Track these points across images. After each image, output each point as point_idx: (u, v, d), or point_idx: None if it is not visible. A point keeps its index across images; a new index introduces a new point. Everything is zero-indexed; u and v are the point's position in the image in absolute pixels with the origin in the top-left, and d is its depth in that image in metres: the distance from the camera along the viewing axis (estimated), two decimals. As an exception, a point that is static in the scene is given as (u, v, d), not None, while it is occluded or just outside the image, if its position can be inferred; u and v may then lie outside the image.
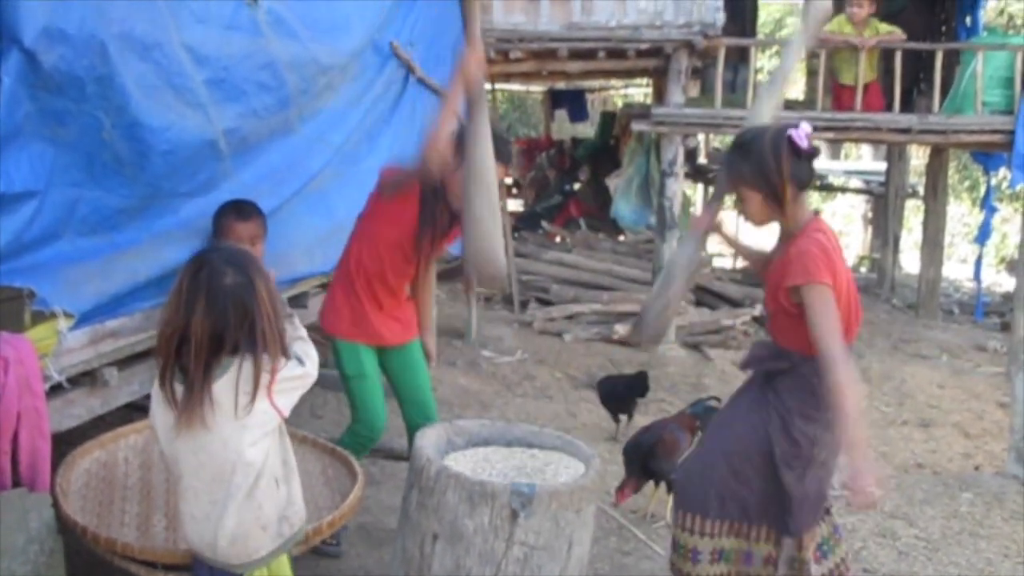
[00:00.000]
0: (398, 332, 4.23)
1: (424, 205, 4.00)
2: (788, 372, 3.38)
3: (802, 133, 3.29)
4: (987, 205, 10.97)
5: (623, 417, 6.54)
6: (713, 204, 3.77)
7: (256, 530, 2.61)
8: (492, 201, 3.67)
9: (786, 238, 3.41)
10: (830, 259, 3.26)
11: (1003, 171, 11.14)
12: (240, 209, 4.06)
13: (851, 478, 3.03)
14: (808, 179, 3.38)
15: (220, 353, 2.51)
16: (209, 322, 2.47)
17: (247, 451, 2.55)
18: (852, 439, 3.06)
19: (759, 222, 3.48)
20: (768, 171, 3.29)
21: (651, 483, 4.83)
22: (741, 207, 3.46)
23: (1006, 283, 14.84)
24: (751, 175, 3.34)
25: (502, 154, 3.97)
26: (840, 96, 8.88)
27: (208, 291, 2.48)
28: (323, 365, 3.95)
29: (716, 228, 3.70)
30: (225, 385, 2.52)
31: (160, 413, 2.63)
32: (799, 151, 3.29)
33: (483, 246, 3.67)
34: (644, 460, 4.68)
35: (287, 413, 2.64)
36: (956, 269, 16.08)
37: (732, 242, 3.84)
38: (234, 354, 2.52)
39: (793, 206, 3.35)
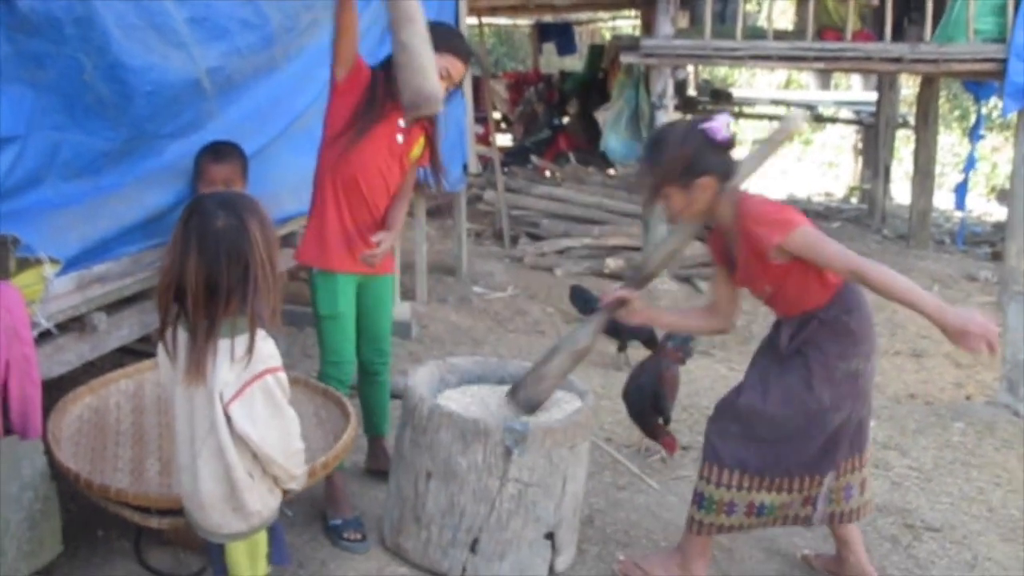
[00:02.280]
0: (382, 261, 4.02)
1: (369, 90, 3.82)
2: (818, 327, 3.35)
3: (718, 124, 3.25)
4: (975, 134, 10.92)
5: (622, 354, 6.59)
6: (625, 288, 3.71)
7: (228, 511, 2.57)
8: (421, 32, 3.48)
9: (729, 228, 3.37)
10: (781, 205, 3.27)
11: (994, 100, 11.08)
12: (217, 151, 4.00)
13: (959, 328, 2.95)
14: (730, 172, 3.33)
15: (216, 302, 2.44)
16: (203, 268, 2.41)
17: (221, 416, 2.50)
18: (929, 306, 3.01)
19: (688, 217, 3.43)
20: (683, 164, 3.26)
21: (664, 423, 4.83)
22: (667, 209, 3.42)
23: (997, 212, 14.83)
24: (668, 170, 3.30)
25: (459, 49, 3.96)
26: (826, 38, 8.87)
27: (199, 236, 2.42)
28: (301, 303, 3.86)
29: (626, 308, 3.66)
30: (227, 343, 2.47)
31: (163, 363, 2.63)
32: (715, 143, 3.26)
33: (416, 66, 3.47)
34: (654, 401, 4.64)
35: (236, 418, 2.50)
36: (947, 199, 15.99)
37: (649, 317, 3.84)
38: (239, 308, 2.47)
39: (720, 199, 3.32)
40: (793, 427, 3.37)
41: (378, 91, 3.81)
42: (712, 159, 3.27)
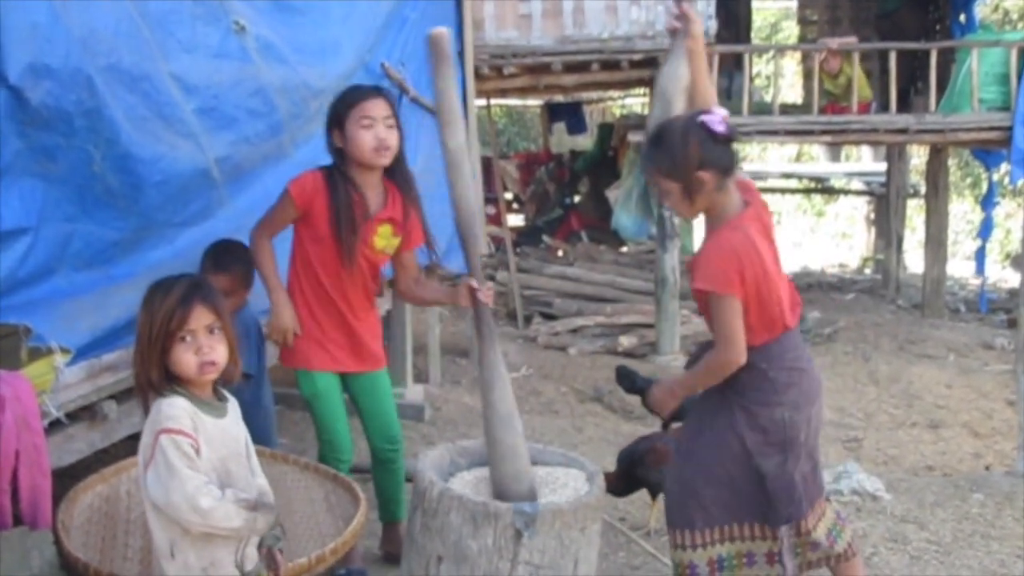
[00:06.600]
0: (363, 357, 4.12)
1: (334, 200, 3.88)
2: (737, 371, 3.35)
3: (716, 117, 3.24)
4: (988, 201, 10.96)
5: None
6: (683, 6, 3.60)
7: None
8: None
9: (713, 227, 3.36)
10: (739, 264, 3.22)
11: (1004, 166, 11.15)
12: (217, 260, 3.98)
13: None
14: (730, 164, 3.29)
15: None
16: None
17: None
18: (675, 383, 3.57)
19: (687, 214, 3.42)
20: (680, 160, 3.23)
21: (651, 497, 4.81)
22: (665, 200, 3.41)
23: (1012, 279, 14.82)
24: (666, 166, 3.28)
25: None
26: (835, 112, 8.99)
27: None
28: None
29: (688, 28, 3.55)
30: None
31: None
32: (715, 136, 3.22)
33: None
34: (632, 466, 4.66)
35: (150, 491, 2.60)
36: (960, 267, 16.04)
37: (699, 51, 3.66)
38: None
39: (717, 195, 3.28)
40: (725, 474, 3.40)
41: (340, 200, 3.89)
42: (711, 152, 3.23)
